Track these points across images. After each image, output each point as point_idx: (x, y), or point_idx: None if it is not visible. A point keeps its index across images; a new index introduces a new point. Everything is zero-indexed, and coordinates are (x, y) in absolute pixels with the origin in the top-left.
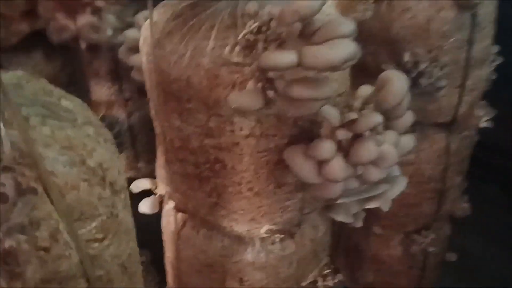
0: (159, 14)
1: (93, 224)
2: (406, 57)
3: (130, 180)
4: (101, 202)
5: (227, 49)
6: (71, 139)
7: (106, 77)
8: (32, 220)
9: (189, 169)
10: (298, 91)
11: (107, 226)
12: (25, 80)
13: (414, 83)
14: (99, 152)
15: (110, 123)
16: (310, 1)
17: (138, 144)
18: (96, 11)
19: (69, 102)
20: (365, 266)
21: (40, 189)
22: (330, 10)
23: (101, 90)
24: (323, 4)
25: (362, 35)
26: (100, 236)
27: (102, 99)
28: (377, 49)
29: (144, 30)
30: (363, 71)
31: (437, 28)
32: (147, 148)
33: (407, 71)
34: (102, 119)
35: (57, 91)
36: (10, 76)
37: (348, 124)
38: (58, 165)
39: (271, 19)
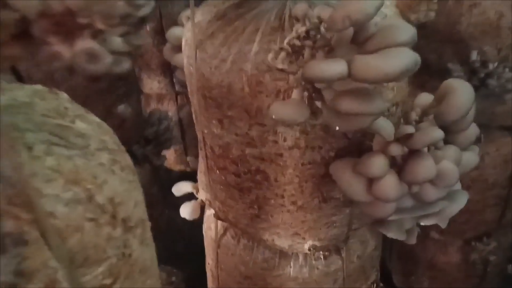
0: (202, 13)
1: (100, 269)
2: (474, 56)
3: (179, 174)
4: (110, 243)
5: (271, 55)
6: (78, 171)
7: (157, 70)
8: (22, 272)
9: (229, 178)
10: (347, 105)
11: (117, 269)
12: (39, 98)
13: (482, 84)
14: (111, 184)
15: (158, 119)
16: (364, 5)
17: (187, 137)
18: (97, 35)
19: (84, 124)
20: (420, 272)
21: (35, 234)
22: (388, 10)
23: (152, 83)
24: (378, 9)
25: (426, 31)
26: (108, 281)
27: (153, 92)
28: (442, 47)
29: (186, 31)
30: (426, 69)
31: (509, 25)
32: (197, 142)
33: (474, 71)
34: (151, 114)
35: (74, 110)
36: (24, 93)
37: (404, 139)
38: (60, 204)
39: (320, 23)
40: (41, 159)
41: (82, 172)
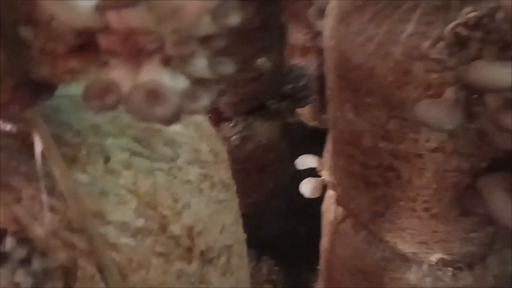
0: None
1: None
2: None
3: (311, 130)
4: (182, 280)
5: (428, 43)
6: (157, 192)
7: (304, 22)
8: None
9: (356, 168)
10: None
11: None
12: None
13: None
14: (194, 209)
15: (297, 75)
16: None
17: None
18: (170, 59)
19: (180, 127)
20: None
21: (90, 269)
22: None
23: (298, 35)
24: None
25: None
26: None
27: (298, 43)
28: None
29: None
30: None
31: None
32: None
33: None
34: (291, 69)
35: None
36: None
37: None
38: (126, 234)
39: (497, 10)
40: (116, 173)
41: (162, 193)
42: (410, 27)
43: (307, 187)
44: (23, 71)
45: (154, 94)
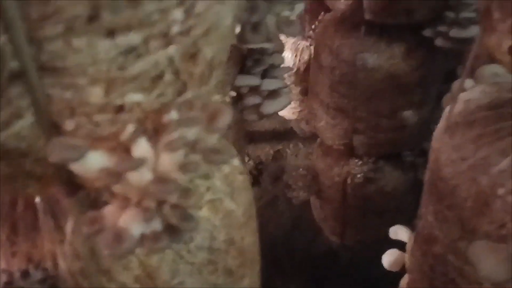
0: (478, 92)
1: None
2: None
3: None
4: None
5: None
6: (160, 269)
7: None
8: None
9: (425, 266)
10: None
11: None
12: None
13: None
14: (186, 286)
15: None
16: None
17: None
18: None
19: (208, 213)
20: None
21: None
22: None
23: None
24: None
25: None
26: None
27: None
28: None
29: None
30: None
31: None
32: None
33: None
34: None
35: (218, 190)
36: None
37: None
38: None
39: None
40: None
41: (164, 268)
42: (505, 163)
43: (387, 258)
44: (66, 178)
45: (118, 237)
